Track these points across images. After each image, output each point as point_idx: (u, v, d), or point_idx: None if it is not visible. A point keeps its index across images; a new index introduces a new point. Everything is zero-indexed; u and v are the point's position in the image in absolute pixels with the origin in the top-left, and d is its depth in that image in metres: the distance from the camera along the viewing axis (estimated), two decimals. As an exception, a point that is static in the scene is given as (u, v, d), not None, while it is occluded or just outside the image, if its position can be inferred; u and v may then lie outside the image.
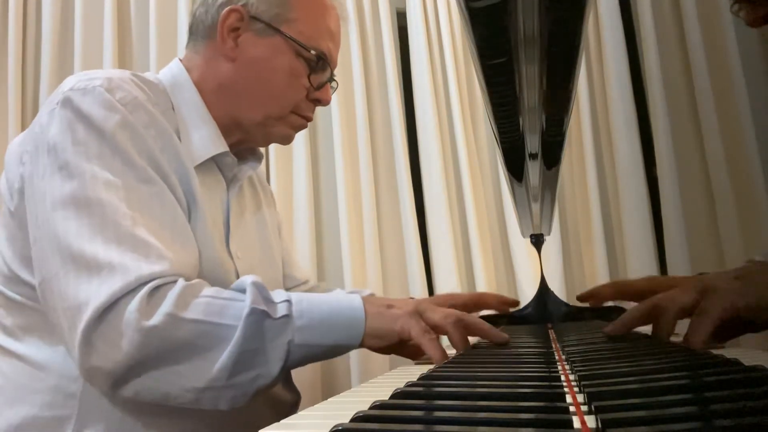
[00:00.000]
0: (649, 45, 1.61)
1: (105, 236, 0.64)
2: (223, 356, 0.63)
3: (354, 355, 1.52)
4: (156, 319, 0.62)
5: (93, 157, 0.68)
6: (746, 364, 0.43)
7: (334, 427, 0.32)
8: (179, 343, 0.63)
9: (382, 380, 0.58)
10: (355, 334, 0.69)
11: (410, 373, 0.61)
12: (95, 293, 0.62)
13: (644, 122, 1.65)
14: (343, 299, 0.72)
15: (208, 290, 0.67)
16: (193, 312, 0.64)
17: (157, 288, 0.64)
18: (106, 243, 0.64)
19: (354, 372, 1.54)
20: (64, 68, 1.70)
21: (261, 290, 0.67)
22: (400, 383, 0.46)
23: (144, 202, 0.69)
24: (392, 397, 0.41)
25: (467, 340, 0.75)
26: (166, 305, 0.63)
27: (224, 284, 0.74)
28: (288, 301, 0.68)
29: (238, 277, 0.83)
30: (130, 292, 0.62)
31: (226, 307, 0.66)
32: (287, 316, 0.67)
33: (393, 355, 1.54)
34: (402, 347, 0.76)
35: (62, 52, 1.72)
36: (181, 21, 1.70)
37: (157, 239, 0.67)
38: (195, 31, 0.88)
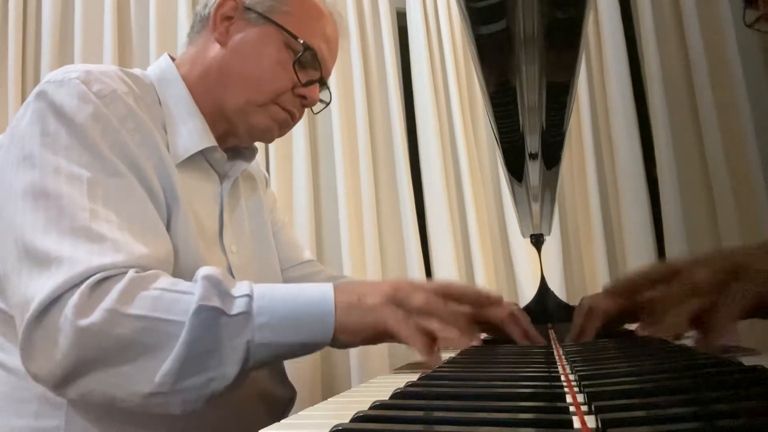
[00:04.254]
0: (649, 45, 1.61)
1: (60, 229, 0.61)
2: (169, 358, 0.58)
3: (354, 355, 1.52)
4: (95, 315, 0.57)
5: (61, 149, 0.66)
6: (746, 364, 0.43)
7: (334, 427, 0.32)
8: (121, 341, 0.58)
9: (382, 380, 0.58)
10: (325, 331, 0.62)
11: (410, 373, 0.61)
12: (41, 288, 0.59)
13: (644, 122, 1.65)
14: (313, 292, 0.64)
15: (163, 281, 0.61)
16: (138, 307, 0.58)
17: (102, 281, 0.59)
18: (60, 236, 0.61)
19: (354, 372, 1.54)
20: (64, 68, 1.69)
21: (216, 284, 0.61)
22: (400, 383, 0.46)
23: (110, 194, 0.66)
24: (392, 397, 0.41)
25: (464, 316, 0.69)
26: (108, 300, 0.58)
27: None
28: (248, 295, 0.61)
29: (231, 271, 0.82)
30: (74, 286, 0.58)
31: (178, 301, 0.59)
32: (246, 313, 0.60)
33: (393, 355, 1.55)
34: (381, 339, 0.66)
35: (62, 52, 1.72)
36: (181, 21, 1.70)
37: (120, 231, 0.63)
38: (193, 26, 0.90)
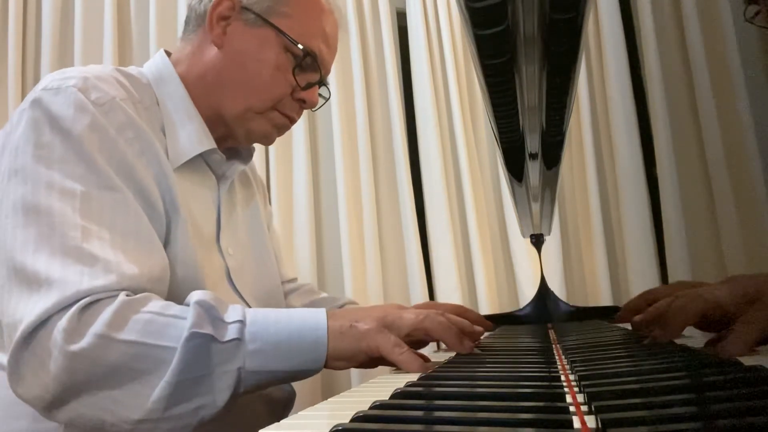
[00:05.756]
0: (649, 45, 1.61)
1: (51, 248, 0.60)
2: (160, 384, 0.57)
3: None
4: (85, 340, 0.56)
5: (55, 161, 0.64)
6: (746, 364, 0.43)
7: (334, 427, 0.32)
8: (111, 366, 0.57)
9: (382, 380, 0.58)
10: (317, 358, 0.63)
11: (410, 373, 0.61)
12: (30, 310, 0.58)
13: (644, 122, 1.65)
14: (307, 318, 0.64)
15: (153, 305, 0.60)
16: (129, 332, 0.58)
17: (91, 304, 0.58)
18: (51, 256, 0.60)
19: (354, 372, 1.54)
20: (63, 68, 1.69)
21: (208, 309, 0.60)
22: (400, 383, 0.46)
23: (104, 210, 0.65)
24: (392, 397, 0.41)
25: (452, 329, 0.70)
26: (98, 324, 0.57)
27: (211, 283, 0.71)
28: (241, 321, 0.61)
29: (228, 274, 0.82)
30: (63, 308, 0.57)
31: (169, 326, 0.59)
32: (238, 340, 0.60)
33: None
34: (373, 363, 0.67)
35: (62, 52, 1.72)
36: (181, 21, 1.69)
37: (112, 250, 0.62)
38: (188, 21, 0.87)
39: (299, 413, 0.41)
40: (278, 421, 0.38)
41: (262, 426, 0.35)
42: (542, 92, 0.65)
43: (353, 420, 0.34)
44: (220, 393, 0.59)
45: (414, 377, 0.52)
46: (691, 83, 1.55)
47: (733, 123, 1.47)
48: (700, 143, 1.53)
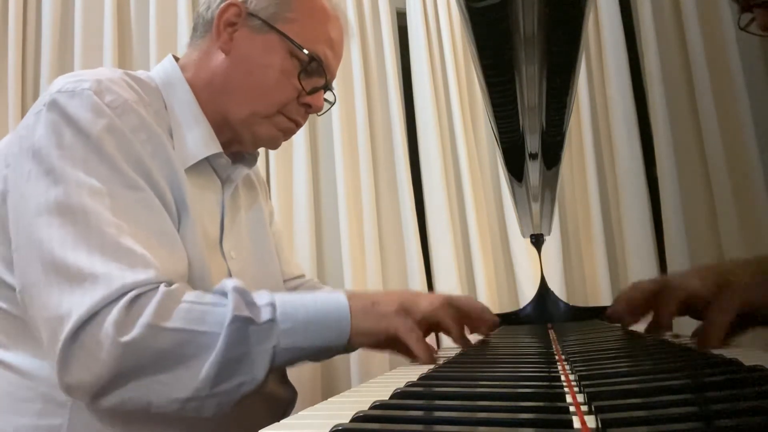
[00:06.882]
0: (649, 45, 1.61)
1: (89, 245, 0.63)
2: (207, 365, 0.62)
3: (354, 355, 1.52)
4: (135, 331, 0.60)
5: (78, 162, 0.66)
6: (746, 364, 0.44)
7: (334, 427, 0.32)
8: (160, 353, 0.62)
9: (382, 380, 0.58)
10: (342, 335, 0.68)
11: (410, 373, 0.61)
12: (77, 304, 0.60)
13: (644, 122, 1.65)
14: (330, 299, 0.70)
15: (189, 295, 0.65)
16: (174, 320, 0.62)
17: (137, 297, 0.62)
18: (90, 252, 0.62)
19: (354, 372, 1.54)
20: (64, 68, 1.69)
21: (243, 294, 0.66)
22: (400, 383, 0.46)
23: (130, 209, 0.67)
24: (392, 397, 0.41)
25: (461, 323, 0.76)
26: (146, 315, 0.61)
27: (214, 286, 0.73)
28: (272, 304, 0.66)
29: (230, 276, 0.83)
30: (111, 302, 0.61)
31: (208, 313, 0.64)
32: (272, 321, 0.65)
33: (393, 356, 1.55)
34: (391, 344, 0.74)
35: (62, 52, 1.72)
36: (181, 21, 1.70)
37: (143, 247, 0.65)
38: (195, 28, 0.89)
39: (299, 413, 0.41)
40: (278, 421, 0.38)
41: (262, 426, 0.35)
42: (542, 92, 0.65)
43: (353, 420, 0.34)
44: (258, 370, 0.65)
45: (414, 377, 0.52)
46: (691, 83, 1.56)
47: (733, 123, 1.47)
48: (700, 143, 1.53)
